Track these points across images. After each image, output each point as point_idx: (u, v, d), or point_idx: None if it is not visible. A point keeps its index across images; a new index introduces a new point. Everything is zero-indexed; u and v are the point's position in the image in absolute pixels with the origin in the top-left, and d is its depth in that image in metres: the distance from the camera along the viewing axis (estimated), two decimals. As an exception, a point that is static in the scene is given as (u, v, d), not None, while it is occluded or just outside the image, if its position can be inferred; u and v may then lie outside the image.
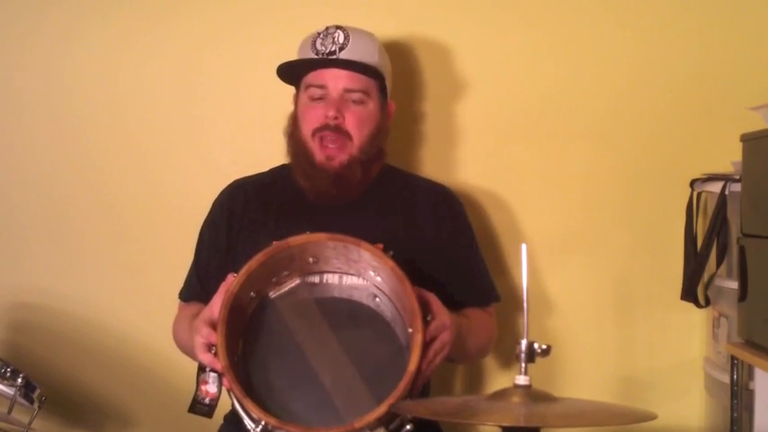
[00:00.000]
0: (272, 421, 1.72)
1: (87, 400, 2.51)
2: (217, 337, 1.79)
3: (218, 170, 2.44)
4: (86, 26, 2.53)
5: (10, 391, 2.00)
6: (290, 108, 2.22)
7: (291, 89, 2.24)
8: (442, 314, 1.87)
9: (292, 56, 2.21)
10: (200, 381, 1.84)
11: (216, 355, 1.80)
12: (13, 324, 2.50)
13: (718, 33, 2.53)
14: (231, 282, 1.83)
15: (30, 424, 2.01)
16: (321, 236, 1.86)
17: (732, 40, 2.52)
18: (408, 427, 1.77)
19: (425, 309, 1.82)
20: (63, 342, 2.50)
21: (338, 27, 2.14)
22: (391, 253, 1.84)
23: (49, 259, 2.54)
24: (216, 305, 1.84)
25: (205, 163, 2.52)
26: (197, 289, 2.17)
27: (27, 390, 2.03)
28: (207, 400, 1.84)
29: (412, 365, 1.75)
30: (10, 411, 2.00)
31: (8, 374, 2.01)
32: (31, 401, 2.04)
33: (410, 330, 1.79)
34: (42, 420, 2.38)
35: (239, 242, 2.14)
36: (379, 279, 1.89)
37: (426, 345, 1.79)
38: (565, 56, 2.53)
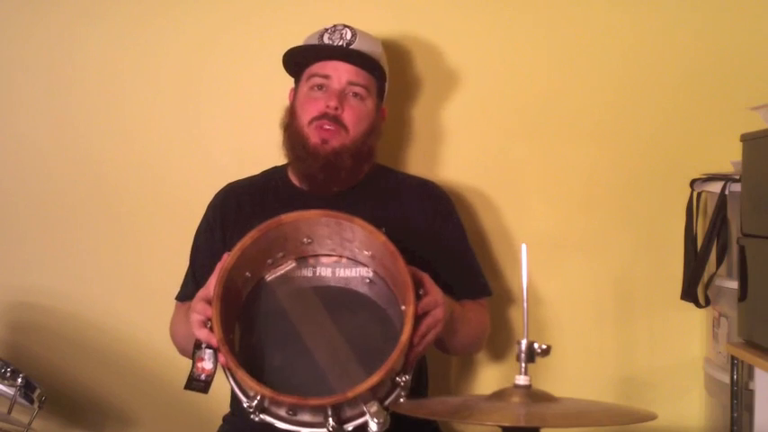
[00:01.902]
0: (267, 392, 1.72)
1: (87, 400, 2.51)
2: (212, 312, 1.80)
3: (217, 169, 2.45)
4: (86, 25, 2.53)
5: (10, 391, 2.00)
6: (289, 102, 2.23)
7: (291, 87, 2.24)
8: (434, 291, 1.88)
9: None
10: (195, 358, 1.85)
11: (211, 329, 1.80)
12: (13, 324, 2.50)
13: (718, 33, 2.53)
14: (226, 259, 1.85)
15: (30, 424, 2.01)
16: (314, 212, 1.86)
17: (732, 40, 2.52)
18: (402, 401, 1.77)
19: (418, 284, 1.84)
20: (63, 342, 2.50)
21: (345, 25, 2.18)
22: (384, 230, 1.84)
23: (49, 259, 2.54)
24: (212, 283, 1.85)
25: (205, 162, 2.52)
26: (193, 291, 2.16)
27: (27, 390, 2.03)
28: (203, 377, 1.84)
29: (404, 336, 1.75)
30: (10, 411, 2.00)
31: (8, 374, 2.01)
32: (31, 401, 2.04)
33: (403, 308, 1.79)
34: (42, 420, 2.38)
35: (234, 242, 2.13)
36: (372, 260, 1.90)
37: (419, 319, 1.80)
38: (564, 55, 2.53)
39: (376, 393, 1.74)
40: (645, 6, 2.53)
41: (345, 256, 1.93)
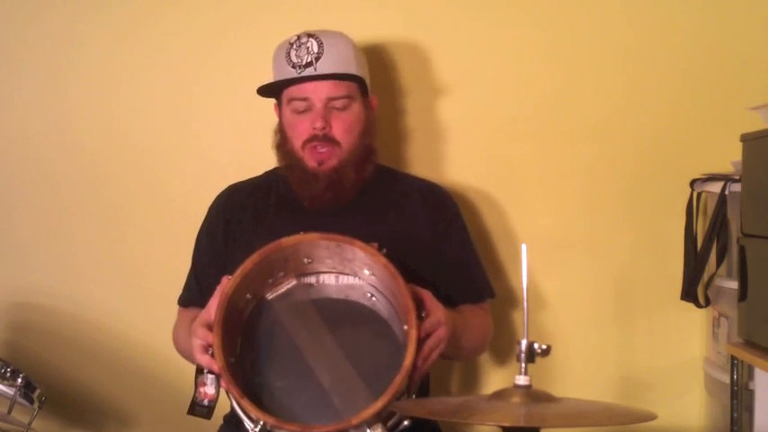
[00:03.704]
0: (270, 420, 1.73)
1: (87, 400, 2.51)
2: (213, 339, 1.79)
3: (216, 171, 2.45)
4: (84, 27, 2.52)
5: (10, 391, 2.00)
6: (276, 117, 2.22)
7: (275, 104, 2.24)
8: (436, 310, 1.87)
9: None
10: (198, 383, 1.85)
11: (213, 356, 1.80)
12: (13, 324, 2.50)
13: (718, 33, 2.53)
14: (226, 284, 1.84)
15: (30, 424, 2.01)
16: (314, 235, 1.86)
17: (732, 40, 2.52)
18: (406, 422, 1.77)
19: (420, 305, 1.83)
20: (63, 342, 2.50)
21: (309, 35, 2.12)
22: (384, 251, 1.84)
23: (49, 260, 2.54)
24: (212, 307, 1.84)
25: (204, 163, 2.52)
26: (196, 294, 2.18)
27: (27, 390, 2.03)
28: (205, 402, 1.84)
29: (407, 361, 1.75)
30: (10, 411, 2.00)
31: (8, 374, 2.01)
32: (31, 401, 2.04)
33: (405, 328, 1.79)
34: (42, 420, 2.38)
35: (236, 247, 2.14)
36: (373, 278, 1.89)
37: (421, 341, 1.80)
38: (565, 55, 2.53)
39: (379, 416, 1.74)
40: (645, 6, 2.53)
41: (347, 273, 1.93)
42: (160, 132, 2.54)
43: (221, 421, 2.17)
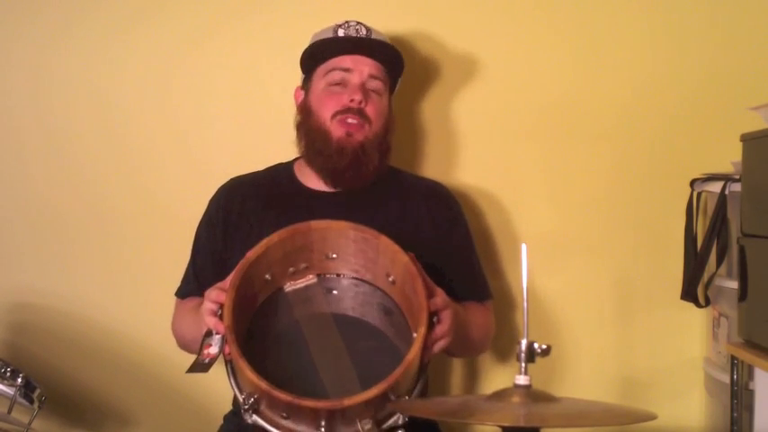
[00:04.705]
0: (263, 385, 1.70)
1: (87, 400, 2.51)
2: (225, 300, 1.79)
3: (211, 169, 2.43)
4: (74, 24, 2.50)
5: (10, 391, 2.00)
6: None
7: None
8: (447, 320, 1.88)
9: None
10: (203, 345, 1.84)
11: (221, 318, 1.80)
12: (12, 324, 2.49)
13: (718, 34, 2.53)
14: (249, 254, 1.84)
15: (30, 424, 2.00)
16: (343, 224, 1.87)
17: (732, 40, 2.52)
18: (401, 422, 1.76)
19: (433, 311, 1.83)
20: (63, 342, 2.50)
21: (358, 22, 2.16)
22: (410, 254, 1.85)
23: (48, 260, 2.53)
24: (230, 278, 1.84)
25: (198, 162, 2.51)
26: (194, 287, 2.18)
27: (27, 390, 2.02)
28: (206, 361, 1.83)
29: (410, 355, 1.74)
30: (10, 411, 2.00)
31: (8, 374, 2.01)
32: (31, 401, 2.04)
33: (415, 335, 1.78)
34: (42, 420, 2.38)
35: (236, 240, 2.14)
36: (392, 285, 1.89)
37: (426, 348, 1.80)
38: (565, 57, 2.53)
39: (374, 413, 1.73)
40: (645, 8, 2.53)
41: (367, 279, 1.92)
42: (153, 131, 2.52)
43: (221, 420, 2.18)
